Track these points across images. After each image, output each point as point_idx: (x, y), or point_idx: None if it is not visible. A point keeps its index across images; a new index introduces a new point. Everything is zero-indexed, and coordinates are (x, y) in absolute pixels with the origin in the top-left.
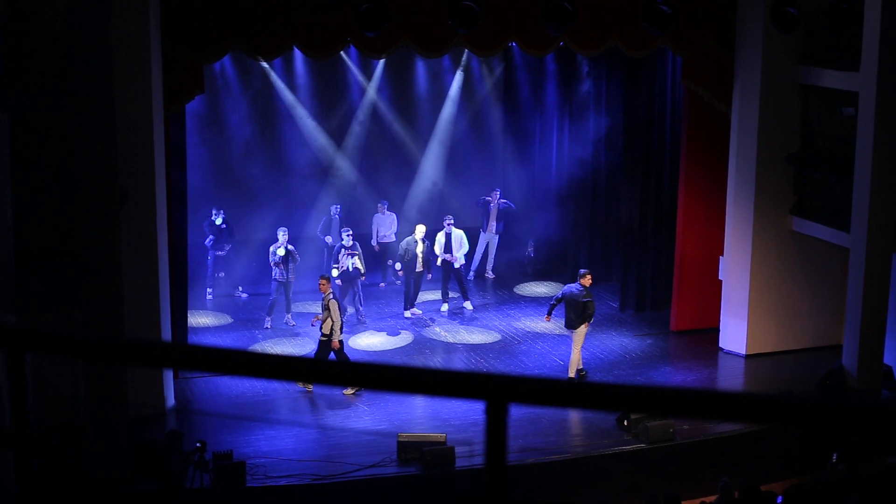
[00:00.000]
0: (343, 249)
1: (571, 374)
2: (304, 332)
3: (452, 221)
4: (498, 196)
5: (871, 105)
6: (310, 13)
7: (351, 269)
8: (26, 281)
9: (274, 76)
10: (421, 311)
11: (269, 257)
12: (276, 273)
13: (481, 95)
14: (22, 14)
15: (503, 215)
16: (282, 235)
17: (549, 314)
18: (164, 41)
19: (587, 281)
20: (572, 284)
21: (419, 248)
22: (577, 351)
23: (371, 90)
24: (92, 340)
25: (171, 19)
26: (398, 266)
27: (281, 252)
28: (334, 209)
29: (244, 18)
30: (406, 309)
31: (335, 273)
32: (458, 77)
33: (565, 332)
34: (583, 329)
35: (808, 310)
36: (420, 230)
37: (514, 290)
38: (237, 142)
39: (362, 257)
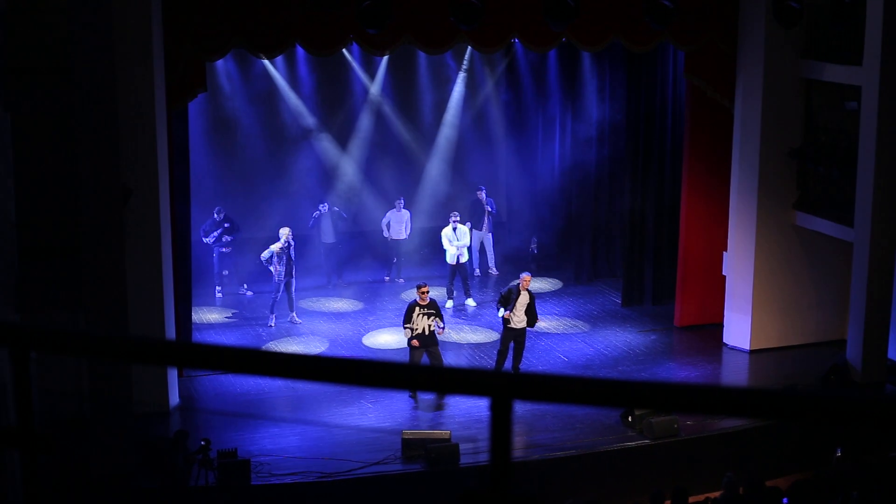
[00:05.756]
0: (417, 308)
1: None
2: (310, 330)
3: (458, 218)
4: (483, 195)
5: (874, 99)
6: (312, 10)
7: (427, 332)
8: (30, 278)
9: (276, 74)
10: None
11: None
12: (273, 273)
13: (484, 90)
14: (24, 11)
15: (490, 214)
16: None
17: None
18: (166, 38)
19: None
20: None
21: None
22: None
23: (374, 88)
24: (96, 338)
25: (174, 16)
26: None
27: (265, 254)
28: (323, 207)
29: (246, 15)
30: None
31: (407, 334)
32: (461, 73)
33: (569, 328)
34: None
35: (812, 304)
36: (526, 280)
37: None
38: (242, 140)
39: (441, 316)
